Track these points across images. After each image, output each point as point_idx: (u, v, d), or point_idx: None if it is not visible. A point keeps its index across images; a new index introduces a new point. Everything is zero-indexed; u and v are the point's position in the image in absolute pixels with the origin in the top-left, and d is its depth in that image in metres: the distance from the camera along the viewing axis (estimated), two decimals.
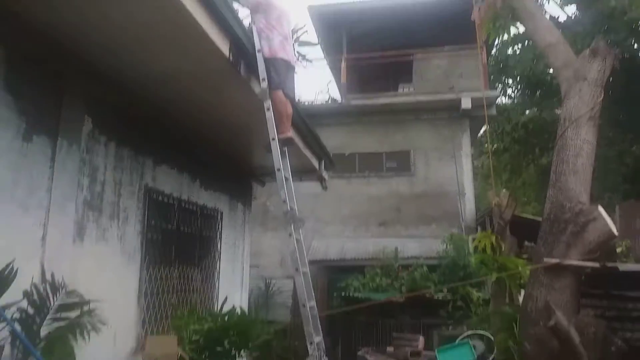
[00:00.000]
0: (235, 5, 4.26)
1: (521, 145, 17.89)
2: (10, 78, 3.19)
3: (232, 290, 6.54)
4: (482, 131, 14.96)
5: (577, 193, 4.56)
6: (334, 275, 10.29)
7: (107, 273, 4.10)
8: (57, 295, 3.22)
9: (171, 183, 5.25)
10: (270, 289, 10.32)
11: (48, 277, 3.28)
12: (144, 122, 4.69)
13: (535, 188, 18.91)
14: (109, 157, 4.21)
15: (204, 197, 6.02)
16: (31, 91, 3.37)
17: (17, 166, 3.23)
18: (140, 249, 4.62)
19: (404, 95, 12.95)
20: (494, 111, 12.75)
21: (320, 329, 4.36)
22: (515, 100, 19.77)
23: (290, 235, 4.35)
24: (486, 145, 13.67)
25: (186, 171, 5.55)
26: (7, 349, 2.98)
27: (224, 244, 6.53)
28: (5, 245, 3.08)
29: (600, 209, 4.37)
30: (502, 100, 18.96)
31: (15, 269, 2.90)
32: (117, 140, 4.30)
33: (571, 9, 16.93)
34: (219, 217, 6.44)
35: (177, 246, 5.33)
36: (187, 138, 5.43)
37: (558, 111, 13.05)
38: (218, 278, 6.31)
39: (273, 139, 4.33)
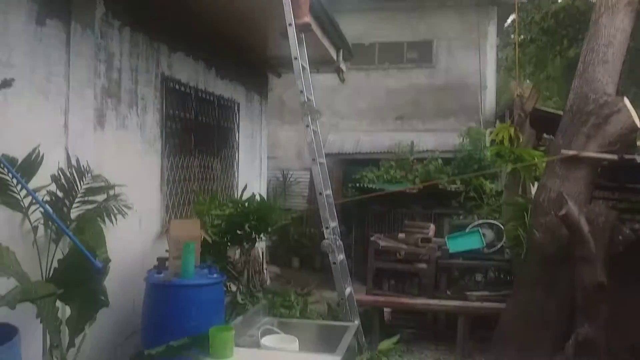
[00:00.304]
0: None
1: (549, 36, 16.96)
2: None
3: (251, 180, 6.73)
4: (509, 20, 14.20)
5: (604, 84, 4.42)
6: (349, 168, 10.46)
7: (129, 160, 4.23)
8: (84, 179, 3.36)
9: (187, 71, 5.20)
10: (288, 179, 10.60)
11: (73, 162, 3.40)
12: (158, 6, 4.54)
13: (559, 82, 18.26)
14: (123, 42, 4.13)
15: (221, 87, 5.99)
16: None
17: (33, 51, 3.19)
18: (161, 138, 4.70)
19: None
20: None
21: (335, 215, 4.54)
22: None
23: (307, 126, 4.37)
24: (512, 35, 13.03)
25: (202, 59, 5.46)
26: (40, 230, 3.18)
27: (242, 135, 6.61)
28: (30, 132, 3.16)
29: (626, 100, 4.26)
30: None
31: (41, 154, 3.00)
32: (131, 25, 4.19)
33: None
34: (236, 108, 6.45)
35: (196, 136, 5.42)
36: (202, 24, 5.28)
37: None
38: (237, 168, 6.48)
39: (290, 25, 4.17)
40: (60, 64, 3.44)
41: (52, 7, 3.34)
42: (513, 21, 14.00)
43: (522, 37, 17.18)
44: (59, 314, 2.85)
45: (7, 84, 2.90)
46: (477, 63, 11.17)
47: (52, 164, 3.26)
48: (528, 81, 6.14)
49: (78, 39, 3.56)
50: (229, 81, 6.21)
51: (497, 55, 12.73)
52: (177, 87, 5.01)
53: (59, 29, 3.41)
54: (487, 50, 11.42)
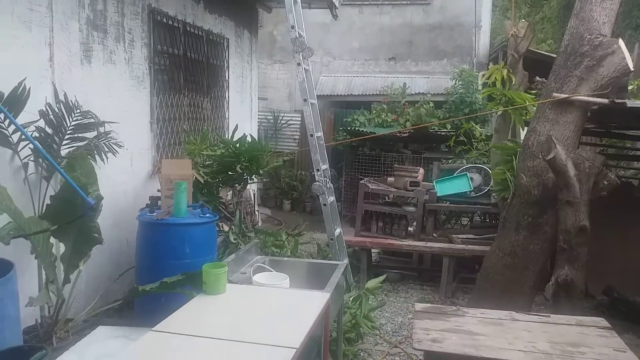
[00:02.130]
0: None
1: None
2: None
3: (241, 120, 6.66)
4: None
5: (600, 24, 4.33)
6: (340, 110, 10.38)
7: (117, 97, 4.14)
8: (72, 115, 3.30)
9: (175, 4, 5.01)
10: (279, 121, 10.51)
11: (61, 97, 3.33)
12: None
13: (554, 24, 17.95)
14: None
15: (209, 22, 5.79)
16: None
17: None
18: (149, 74, 4.59)
19: None
20: None
21: (326, 158, 4.55)
22: None
23: (298, 64, 4.28)
24: None
25: None
26: (31, 166, 3.17)
27: (232, 74, 6.47)
28: (14, 65, 3.07)
29: (620, 42, 4.19)
30: None
31: (28, 88, 2.93)
32: None
33: None
34: (225, 44, 6.27)
35: (185, 73, 5.30)
36: None
37: None
38: (228, 107, 6.39)
39: None
40: None
41: None
42: None
43: None
44: (54, 250, 2.89)
45: None
46: (473, 1, 10.88)
47: (39, 99, 3.20)
48: (523, 21, 6.00)
49: None
50: (218, 15, 6.00)
51: None
52: (164, 20, 4.84)
53: None
54: None
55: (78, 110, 3.33)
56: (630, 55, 4.33)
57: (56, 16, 3.39)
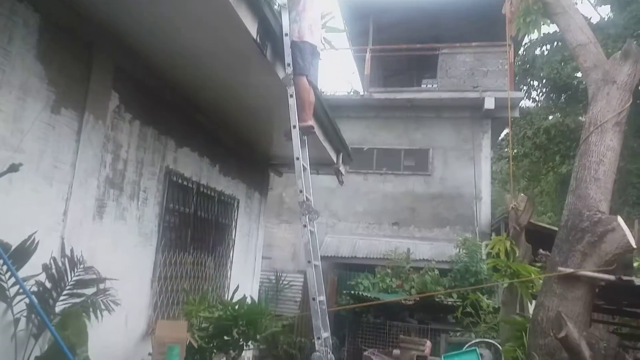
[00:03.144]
0: None
1: (542, 152, 17.67)
2: (42, 46, 3.20)
3: (243, 280, 6.59)
4: (503, 134, 14.78)
5: (597, 201, 4.49)
6: (344, 272, 10.31)
7: (123, 253, 4.16)
8: (75, 270, 3.27)
9: (191, 166, 5.29)
10: (281, 282, 10.36)
11: (67, 252, 3.34)
12: (169, 102, 4.74)
13: (553, 197, 18.68)
14: (132, 135, 4.24)
15: (223, 183, 6.06)
16: (61, 61, 3.38)
17: (44, 137, 3.26)
18: (157, 232, 4.66)
19: (427, 91, 12.83)
20: (516, 113, 12.59)
21: (328, 324, 4.36)
22: (539, 104, 19.50)
23: (304, 226, 4.35)
24: (506, 149, 13.50)
25: (207, 155, 5.60)
26: (22, 322, 3.03)
27: (239, 233, 6.58)
28: (28, 217, 3.14)
29: (620, 219, 4.29)
30: (526, 103, 18.75)
31: (36, 241, 2.95)
32: (141, 118, 4.33)
33: (605, 10, 16.70)
34: (235, 205, 6.49)
35: (193, 231, 5.37)
36: (209, 121, 5.48)
37: (582, 118, 12.86)
38: (230, 267, 6.36)
39: (294, 127, 4.30)
40: (69, 152, 3.50)
41: (69, 97, 3.47)
42: (506, 135, 14.59)
43: (515, 151, 17.90)
44: None
45: (14, 168, 2.91)
46: (472, 173, 11.47)
47: (45, 251, 3.20)
48: (522, 194, 6.29)
49: (89, 129, 3.66)
50: (231, 178, 6.32)
51: (492, 167, 13.09)
52: (180, 181, 5.07)
53: (72, 118, 3.51)
54: (482, 162, 11.76)
55: (81, 266, 3.31)
56: (631, 232, 4.40)
57: (78, 173, 3.56)
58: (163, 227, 4.75)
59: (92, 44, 3.66)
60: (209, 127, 5.56)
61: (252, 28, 3.65)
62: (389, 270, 9.39)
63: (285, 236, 11.74)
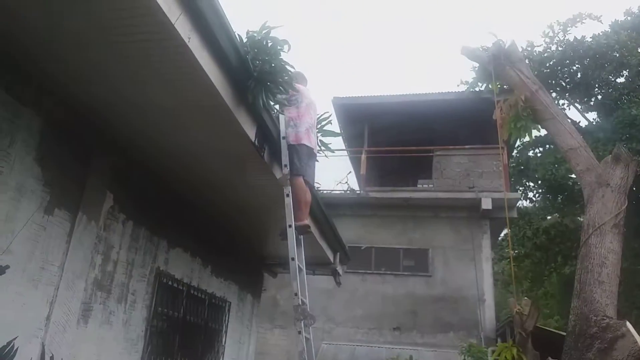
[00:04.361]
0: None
1: (543, 252, 17.48)
2: (42, 149, 3.25)
3: None
4: (502, 234, 14.72)
5: (604, 305, 4.35)
6: None
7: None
8: None
9: (183, 268, 5.18)
10: None
11: (47, 359, 3.15)
12: (164, 202, 4.75)
13: (558, 299, 18.18)
14: (125, 236, 4.18)
15: (214, 285, 5.89)
16: (59, 162, 3.42)
17: (34, 238, 3.21)
18: (144, 337, 4.44)
19: (424, 191, 13.00)
20: (514, 214, 12.65)
21: None
22: (537, 204, 19.65)
23: (299, 332, 4.14)
24: (507, 249, 13.36)
25: (199, 256, 5.50)
26: None
27: (229, 339, 6.26)
28: (10, 322, 3.00)
29: (628, 324, 4.13)
30: (523, 203, 18.92)
31: (15, 348, 2.80)
32: (135, 219, 4.30)
33: (592, 115, 17.47)
34: (226, 308, 6.25)
35: (182, 337, 5.11)
36: (203, 221, 5.46)
37: (581, 218, 12.89)
38: None
39: (290, 226, 4.27)
40: (59, 253, 3.41)
41: (64, 198, 3.45)
42: (506, 235, 14.53)
43: (516, 251, 17.72)
44: None
45: (0, 271, 2.84)
46: (474, 274, 11.22)
47: (24, 358, 3.02)
48: (526, 298, 6.09)
49: (81, 230, 3.61)
50: (224, 279, 6.16)
51: (493, 268, 12.86)
52: (170, 282, 4.94)
53: (65, 219, 3.47)
54: (483, 263, 11.54)
55: None
56: None
57: (65, 275, 3.46)
58: (150, 332, 4.53)
59: (91, 145, 3.74)
60: (203, 227, 5.53)
61: (251, 132, 3.76)
62: None
63: (279, 343, 11.20)
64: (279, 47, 3.60)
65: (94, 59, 2.96)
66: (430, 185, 13.02)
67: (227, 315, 6.24)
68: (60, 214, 3.44)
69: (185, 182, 4.71)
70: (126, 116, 3.65)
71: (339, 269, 7.14)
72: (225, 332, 6.17)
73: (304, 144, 4.52)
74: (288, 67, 3.73)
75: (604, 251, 4.71)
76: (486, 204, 11.45)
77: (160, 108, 3.46)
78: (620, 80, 16.22)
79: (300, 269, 4.41)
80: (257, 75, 3.51)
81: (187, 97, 3.26)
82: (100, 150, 3.83)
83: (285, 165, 4.35)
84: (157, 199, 4.66)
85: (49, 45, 2.89)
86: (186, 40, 2.68)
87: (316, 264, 6.75)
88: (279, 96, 4.04)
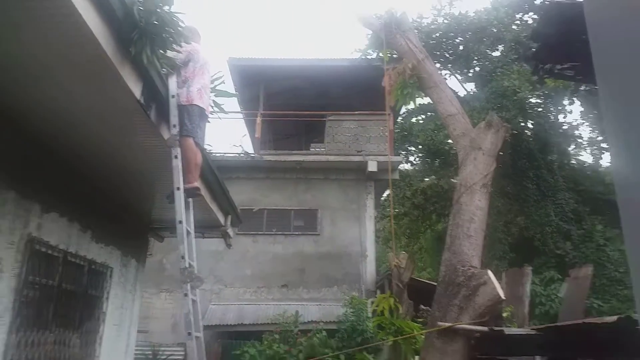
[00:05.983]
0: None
1: (420, 211, 18.92)
2: None
3: (115, 358, 5.95)
4: (385, 195, 15.64)
5: (470, 257, 4.83)
6: (230, 341, 9.82)
7: None
8: None
9: (59, 233, 4.77)
10: (159, 357, 9.55)
11: None
12: (37, 164, 4.30)
13: (431, 253, 19.89)
14: None
15: (94, 251, 5.53)
16: None
17: None
18: (12, 309, 4.06)
19: (315, 154, 13.35)
20: (396, 176, 13.49)
21: None
22: (417, 167, 21.12)
23: (185, 295, 4.08)
24: (388, 209, 14.23)
25: (77, 220, 5.09)
26: None
27: (111, 305, 5.95)
28: None
29: (490, 273, 4.64)
30: (405, 166, 20.21)
31: None
32: (2, 181, 3.85)
33: (470, 85, 18.88)
34: (108, 274, 5.92)
35: (57, 306, 4.76)
36: (83, 183, 5.05)
37: (455, 180, 14.12)
38: (100, 344, 5.68)
39: (178, 189, 4.13)
40: None
41: None
42: (388, 196, 15.46)
43: (396, 210, 18.97)
44: None
45: None
46: (358, 232, 11.87)
47: None
48: (404, 252, 6.60)
49: None
50: (105, 245, 5.80)
51: (376, 226, 13.69)
52: (43, 249, 4.54)
53: None
54: (367, 221, 12.25)
55: None
56: (500, 284, 4.76)
57: None
58: (20, 303, 4.15)
59: None
60: (83, 189, 5.13)
61: (136, 89, 3.50)
62: (277, 336, 9.12)
63: (165, 306, 11.00)
64: None
65: None
66: (322, 149, 13.36)
67: (108, 282, 5.92)
68: None
69: (64, 143, 4.29)
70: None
71: (230, 231, 7.07)
72: (107, 298, 5.87)
73: (196, 105, 4.35)
74: (177, 21, 3.50)
75: (473, 208, 5.19)
76: (372, 167, 12.06)
77: (34, 60, 3.09)
78: (496, 54, 17.62)
79: (188, 232, 4.31)
80: (142, 27, 3.25)
81: (62, 47, 2.94)
82: None
83: (174, 126, 4.16)
84: (29, 161, 4.21)
85: None
86: None
87: (206, 227, 6.62)
88: (169, 52, 3.81)
